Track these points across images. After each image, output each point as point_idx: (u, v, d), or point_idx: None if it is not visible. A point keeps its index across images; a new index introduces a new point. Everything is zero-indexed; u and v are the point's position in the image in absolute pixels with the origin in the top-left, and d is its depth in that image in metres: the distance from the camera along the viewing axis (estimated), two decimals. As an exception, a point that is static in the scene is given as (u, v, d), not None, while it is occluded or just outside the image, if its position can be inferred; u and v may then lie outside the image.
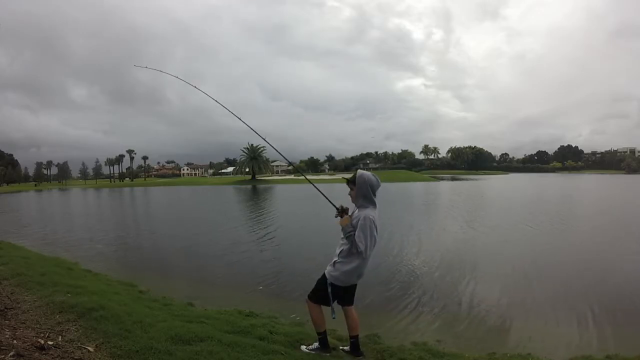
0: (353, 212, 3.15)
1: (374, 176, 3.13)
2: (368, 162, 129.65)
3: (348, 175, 3.24)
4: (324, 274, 3.24)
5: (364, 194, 3.09)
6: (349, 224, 3.07)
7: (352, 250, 3.04)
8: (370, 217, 3.00)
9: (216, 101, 4.51)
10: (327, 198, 3.33)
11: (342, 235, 3.13)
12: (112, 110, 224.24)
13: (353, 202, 3.19)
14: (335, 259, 3.16)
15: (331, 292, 3.15)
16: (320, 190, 3.50)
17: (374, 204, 3.11)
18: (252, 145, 73.95)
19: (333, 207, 3.20)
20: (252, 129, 4.13)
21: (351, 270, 3.09)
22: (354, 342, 3.41)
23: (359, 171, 3.16)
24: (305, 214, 20.27)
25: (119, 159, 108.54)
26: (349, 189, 3.22)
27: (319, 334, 3.34)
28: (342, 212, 3.16)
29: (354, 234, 3.00)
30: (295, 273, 8.04)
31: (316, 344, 3.37)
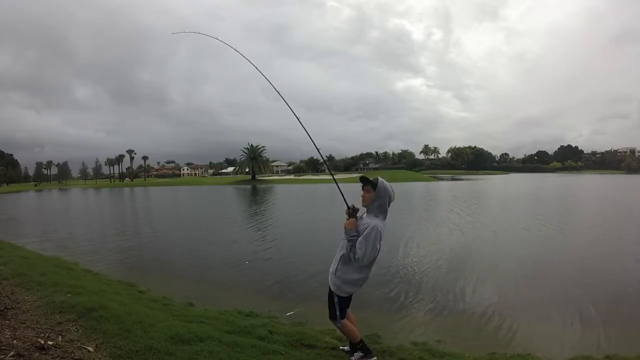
0: (362, 216, 3.09)
1: (391, 188, 3.07)
2: (368, 162, 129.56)
3: (351, 176, 3.16)
4: (329, 288, 3.17)
5: (381, 203, 3.01)
6: (354, 228, 3.00)
7: (351, 256, 2.97)
8: (379, 227, 2.92)
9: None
10: (343, 196, 3.28)
11: (343, 237, 3.06)
12: (114, 110, 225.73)
13: (364, 204, 3.09)
14: (336, 265, 3.09)
15: (338, 304, 3.09)
16: (340, 188, 3.42)
17: (385, 215, 3.04)
18: (252, 145, 74.02)
19: (345, 205, 3.14)
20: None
21: (354, 280, 3.03)
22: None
23: (380, 179, 3.06)
24: (306, 213, 20.27)
25: (119, 159, 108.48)
26: (362, 190, 3.10)
27: (357, 344, 3.27)
28: (352, 211, 3.09)
29: (356, 240, 2.93)
30: (297, 272, 8.04)
31: (358, 354, 3.28)
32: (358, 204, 3.15)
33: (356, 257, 2.89)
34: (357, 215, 3.11)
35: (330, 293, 3.16)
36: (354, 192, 3.32)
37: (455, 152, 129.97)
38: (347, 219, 3.07)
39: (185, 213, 23.53)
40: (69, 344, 2.84)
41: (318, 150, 3.85)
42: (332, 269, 3.15)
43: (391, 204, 3.08)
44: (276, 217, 18.96)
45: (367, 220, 2.98)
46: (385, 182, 3.05)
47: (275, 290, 7.02)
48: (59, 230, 16.00)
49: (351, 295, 3.15)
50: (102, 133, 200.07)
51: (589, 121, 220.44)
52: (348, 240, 2.98)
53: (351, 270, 3.02)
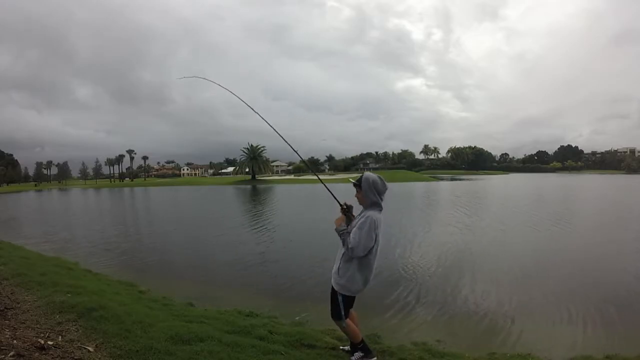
0: (360, 214, 3.12)
1: (379, 178, 3.08)
2: (368, 162, 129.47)
3: (350, 176, 3.24)
4: (332, 287, 3.15)
5: (372, 198, 3.04)
6: (343, 224, 3.08)
7: (345, 247, 2.99)
8: (374, 217, 2.96)
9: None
10: (332, 195, 3.33)
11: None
12: (114, 110, 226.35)
13: (360, 203, 3.14)
14: (338, 264, 3.08)
15: (342, 303, 3.07)
16: (327, 187, 3.51)
17: (379, 207, 3.07)
18: (252, 145, 74.01)
19: (337, 203, 3.18)
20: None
21: (357, 278, 3.02)
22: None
23: (365, 173, 3.11)
24: (305, 213, 20.26)
25: (119, 159, 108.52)
26: (355, 191, 3.15)
27: (358, 344, 3.25)
28: (346, 209, 3.13)
29: (349, 235, 2.96)
30: (297, 272, 8.03)
31: (359, 354, 3.26)
32: (351, 202, 3.21)
33: (349, 246, 2.90)
34: (353, 213, 3.17)
35: (334, 292, 3.14)
36: (351, 191, 3.32)
37: (455, 152, 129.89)
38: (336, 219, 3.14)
39: (185, 213, 23.52)
40: (69, 344, 2.84)
41: (296, 152, 4.03)
42: (334, 268, 3.15)
43: (387, 196, 3.11)
44: (276, 217, 18.95)
45: (363, 214, 3.07)
46: (370, 175, 3.09)
47: (275, 290, 7.01)
48: (59, 230, 15.99)
49: (355, 295, 3.15)
50: (102, 133, 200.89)
51: (589, 121, 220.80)
52: (340, 235, 3.04)
53: (353, 268, 3.01)
